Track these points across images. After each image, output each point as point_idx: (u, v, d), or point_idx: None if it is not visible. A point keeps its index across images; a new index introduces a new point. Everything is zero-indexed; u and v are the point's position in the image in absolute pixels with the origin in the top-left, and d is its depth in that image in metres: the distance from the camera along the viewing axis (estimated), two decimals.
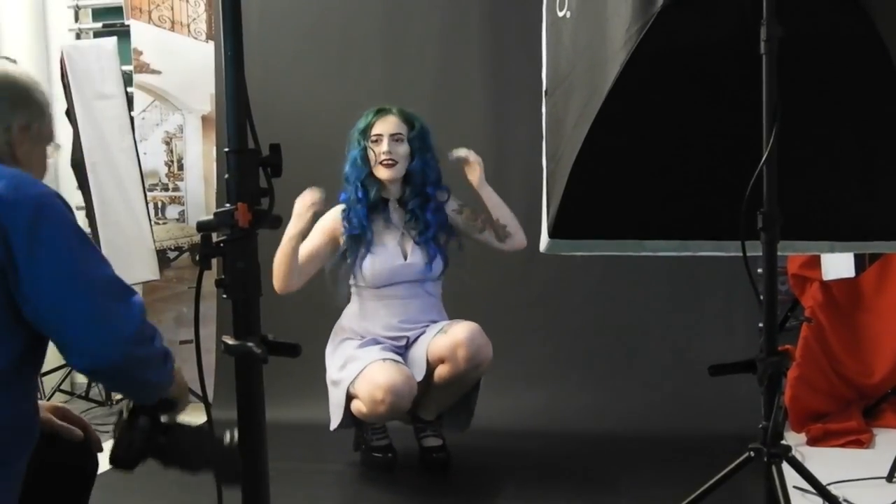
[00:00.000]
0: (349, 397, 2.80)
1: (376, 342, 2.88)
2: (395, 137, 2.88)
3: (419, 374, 2.79)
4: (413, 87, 3.73)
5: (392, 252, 2.90)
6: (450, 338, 2.76)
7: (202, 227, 1.22)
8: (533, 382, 3.54)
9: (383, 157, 2.86)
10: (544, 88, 2.19)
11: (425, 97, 3.51)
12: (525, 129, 3.45)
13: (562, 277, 3.60)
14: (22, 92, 1.56)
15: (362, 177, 2.88)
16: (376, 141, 2.87)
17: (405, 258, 2.90)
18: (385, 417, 2.81)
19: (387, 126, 2.88)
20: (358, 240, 2.89)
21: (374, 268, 2.87)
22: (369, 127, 2.89)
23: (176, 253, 4.17)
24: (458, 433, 3.00)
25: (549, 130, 2.17)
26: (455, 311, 3.03)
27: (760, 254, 1.86)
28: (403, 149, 2.89)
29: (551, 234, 2.10)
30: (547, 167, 2.15)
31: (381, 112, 2.91)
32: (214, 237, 1.25)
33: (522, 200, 3.41)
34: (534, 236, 2.17)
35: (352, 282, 2.95)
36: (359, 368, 2.76)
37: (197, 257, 4.12)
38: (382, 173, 2.88)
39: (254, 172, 1.23)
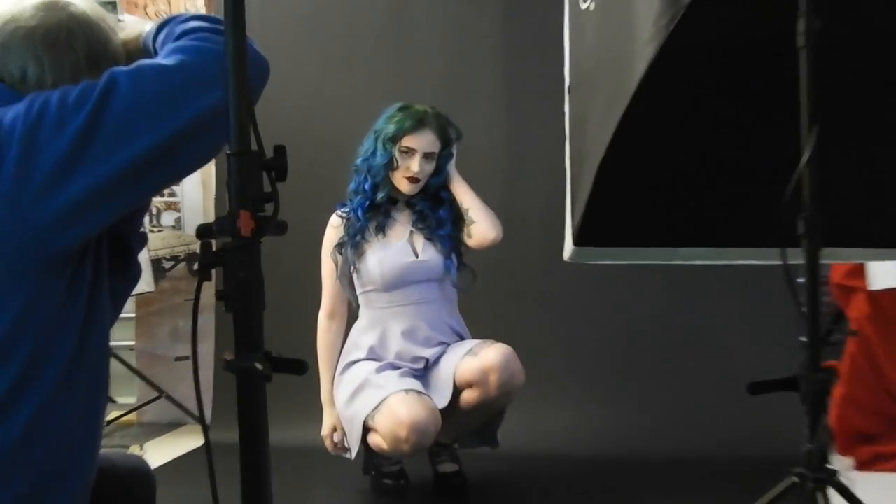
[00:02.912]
0: (365, 429, 2.77)
1: (394, 367, 2.86)
2: (427, 157, 2.87)
3: (443, 401, 2.76)
4: (423, 83, 3.74)
5: (401, 250, 2.89)
6: (481, 361, 2.74)
7: (203, 233, 1.22)
8: (555, 401, 3.53)
9: (411, 174, 2.86)
10: (567, 85, 2.20)
11: (436, 94, 3.51)
12: (545, 128, 3.44)
13: (586, 288, 3.59)
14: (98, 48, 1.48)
15: (379, 180, 2.89)
16: (407, 153, 2.85)
17: (416, 256, 2.90)
18: (407, 455, 2.79)
19: (422, 143, 2.85)
20: (359, 230, 2.90)
21: (383, 267, 2.86)
22: (401, 134, 2.85)
23: (172, 263, 4.18)
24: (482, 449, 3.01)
25: (572, 130, 2.17)
26: (470, 324, 3.03)
27: (802, 262, 1.85)
28: (431, 167, 2.89)
29: (576, 242, 2.10)
30: (570, 169, 2.15)
31: (419, 124, 2.85)
32: (214, 245, 1.25)
33: (542, 205, 3.42)
34: (557, 244, 2.17)
35: (360, 290, 2.96)
36: (378, 399, 2.72)
37: (195, 267, 4.12)
38: (404, 187, 2.88)
39: (257, 176, 1.23)
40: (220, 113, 1.22)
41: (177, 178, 1.46)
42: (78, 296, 1.35)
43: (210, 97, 1.30)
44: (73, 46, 1.44)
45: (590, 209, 2.05)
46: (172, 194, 4.19)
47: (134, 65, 1.35)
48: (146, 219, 4.06)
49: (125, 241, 1.45)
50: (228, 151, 1.24)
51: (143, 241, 1.50)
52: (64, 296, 1.33)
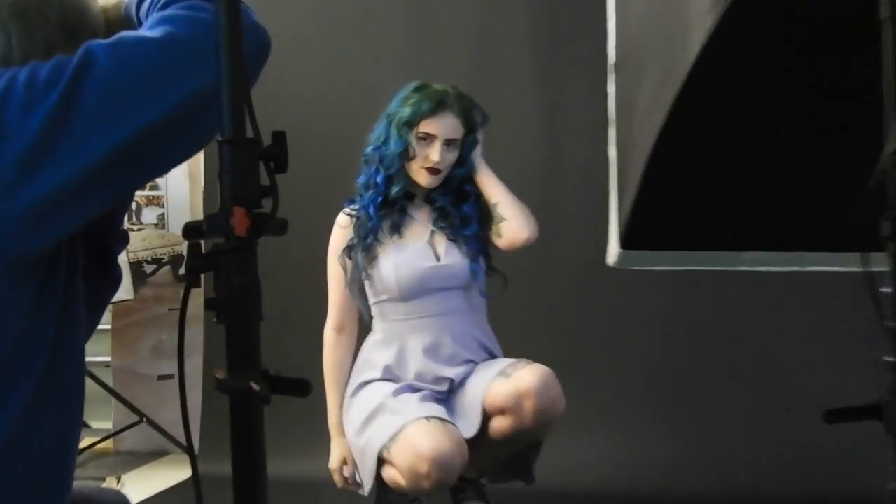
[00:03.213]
0: (380, 461, 2.75)
1: (413, 389, 2.85)
2: (449, 144, 2.87)
3: (470, 430, 2.75)
4: (445, 60, 3.75)
5: (419, 253, 2.89)
6: (514, 384, 2.72)
7: (191, 232, 1.23)
8: (598, 429, 3.53)
9: (430, 164, 2.86)
10: (612, 62, 2.19)
11: (460, 73, 3.52)
12: (586, 112, 3.44)
13: (634, 298, 3.58)
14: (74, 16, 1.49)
15: (393, 171, 2.89)
16: (425, 139, 2.86)
17: (437, 259, 2.90)
18: (428, 493, 2.76)
19: (443, 129, 2.85)
20: (371, 230, 2.91)
21: (400, 273, 2.86)
22: (419, 119, 2.86)
23: (154, 266, 4.21)
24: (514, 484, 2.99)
25: (618, 114, 2.16)
26: (499, 338, 3.02)
27: (886, 269, 1.84)
28: (454, 155, 2.89)
29: (623, 245, 2.09)
30: (617, 160, 2.15)
31: (439, 106, 2.86)
32: (203, 246, 1.26)
33: (583, 201, 3.42)
34: (600, 246, 2.17)
35: (372, 300, 2.96)
36: (394, 427, 2.70)
37: (181, 271, 4.13)
38: (423, 179, 2.89)
39: (253, 167, 1.24)
40: (214, 95, 1.22)
41: (162, 170, 1.46)
42: (49, 304, 1.35)
43: (203, 76, 1.30)
44: (45, 15, 1.44)
45: (639, 206, 2.05)
46: (155, 187, 4.22)
47: (114, 37, 1.35)
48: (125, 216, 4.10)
49: (103, 240, 1.46)
50: (221, 139, 1.24)
51: (123, 240, 1.51)
52: (33, 305, 1.33)
